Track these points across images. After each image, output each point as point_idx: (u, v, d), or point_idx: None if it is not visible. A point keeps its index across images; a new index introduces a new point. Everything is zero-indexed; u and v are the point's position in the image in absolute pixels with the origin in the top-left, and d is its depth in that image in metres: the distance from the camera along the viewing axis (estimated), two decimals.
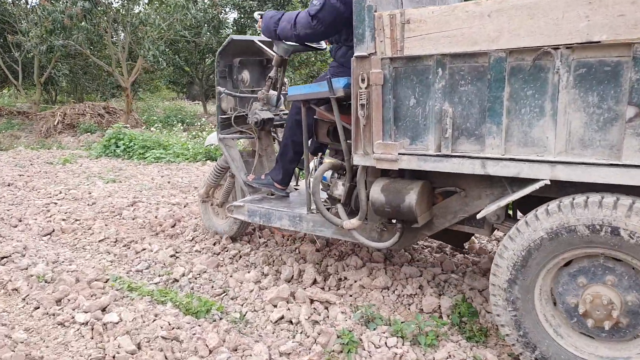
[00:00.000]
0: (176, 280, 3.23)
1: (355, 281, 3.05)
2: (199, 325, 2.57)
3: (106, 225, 4.32)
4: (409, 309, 2.76)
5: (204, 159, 7.39)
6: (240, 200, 3.29)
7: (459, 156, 2.09)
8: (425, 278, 2.97)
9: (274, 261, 3.45)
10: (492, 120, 1.99)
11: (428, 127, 2.14)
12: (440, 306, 2.70)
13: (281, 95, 3.26)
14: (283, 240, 3.77)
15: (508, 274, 2.02)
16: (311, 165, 2.89)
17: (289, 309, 2.72)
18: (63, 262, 3.49)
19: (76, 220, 4.48)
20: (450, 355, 2.23)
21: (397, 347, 2.31)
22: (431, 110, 2.08)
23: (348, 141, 2.50)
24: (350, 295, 2.95)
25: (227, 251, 3.66)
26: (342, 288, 3.04)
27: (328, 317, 2.65)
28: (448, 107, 2.03)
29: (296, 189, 3.52)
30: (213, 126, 11.29)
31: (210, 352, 2.34)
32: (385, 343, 2.34)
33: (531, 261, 1.97)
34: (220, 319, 2.69)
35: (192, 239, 3.94)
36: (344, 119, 2.52)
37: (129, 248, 3.80)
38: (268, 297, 2.80)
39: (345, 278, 3.13)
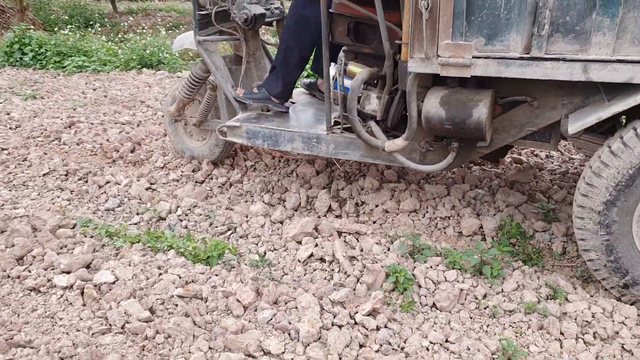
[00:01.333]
0: (162, 219, 2.71)
1: (377, 205, 2.71)
2: (216, 275, 2.14)
3: (45, 154, 3.56)
4: (445, 232, 2.49)
5: (139, 66, 6.40)
6: (235, 119, 2.72)
7: (553, 59, 1.69)
8: (455, 196, 2.69)
9: (273, 187, 3.00)
10: (604, 10, 1.59)
11: (513, 21, 1.70)
12: (481, 227, 2.45)
13: None
14: (275, 162, 3.29)
15: (606, 195, 1.75)
16: (331, 72, 2.35)
17: (317, 244, 2.34)
18: (3, 205, 2.80)
19: (2, 149, 3.65)
20: (519, 285, 2.01)
21: (458, 282, 2.04)
22: None
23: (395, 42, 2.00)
24: (374, 222, 2.62)
25: (212, 179, 3.13)
26: (362, 214, 2.70)
27: (362, 250, 2.31)
28: None
29: (292, 103, 2.97)
30: (138, 28, 9.89)
31: (246, 308, 1.93)
32: (445, 277, 2.06)
33: (638, 180, 1.69)
34: (239, 263, 2.26)
35: (164, 165, 3.34)
36: (389, 17, 1.99)
37: (86, 182, 3.14)
38: (290, 234, 2.39)
39: (364, 202, 2.77)
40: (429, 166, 2.19)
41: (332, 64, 2.39)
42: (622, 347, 1.73)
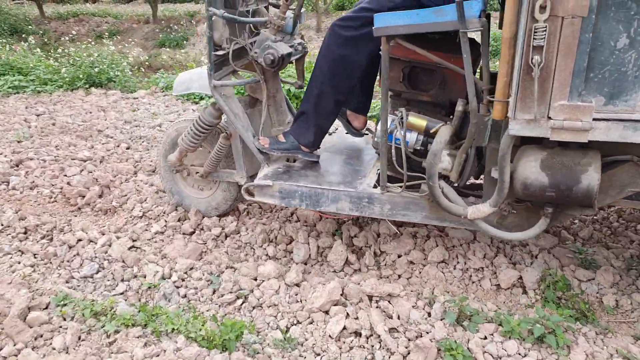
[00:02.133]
0: (153, 287, 2.31)
1: (400, 256, 2.45)
2: None
3: None
4: (481, 286, 2.27)
5: (86, 86, 5.79)
6: (263, 177, 2.36)
7: None
8: (484, 242, 2.48)
9: (275, 237, 2.66)
10: None
11: (616, 75, 1.47)
12: (520, 279, 2.25)
13: (298, 19, 2.28)
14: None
15: None
16: (390, 122, 2.03)
17: (348, 314, 2.05)
18: None
19: None
20: (588, 355, 1.81)
21: (521, 354, 1.82)
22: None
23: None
24: (400, 276, 2.36)
25: (203, 229, 2.75)
26: (384, 267, 2.43)
27: (400, 317, 2.04)
28: None
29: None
30: (70, 35, 9.08)
31: None
32: (506, 350, 1.83)
33: None
34: (261, 345, 1.92)
35: (143, 214, 2.91)
36: (456, 63, 1.73)
37: (52, 240, 2.67)
38: (316, 304, 2.07)
39: (384, 252, 2.51)
40: (516, 234, 1.93)
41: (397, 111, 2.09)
42: None
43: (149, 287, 2.30)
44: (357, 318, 2.01)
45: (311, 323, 2.05)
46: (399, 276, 2.36)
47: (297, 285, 2.27)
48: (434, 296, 2.13)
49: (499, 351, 1.83)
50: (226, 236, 2.71)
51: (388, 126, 2.00)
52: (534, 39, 1.44)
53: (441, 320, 2.01)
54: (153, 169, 3.51)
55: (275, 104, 2.57)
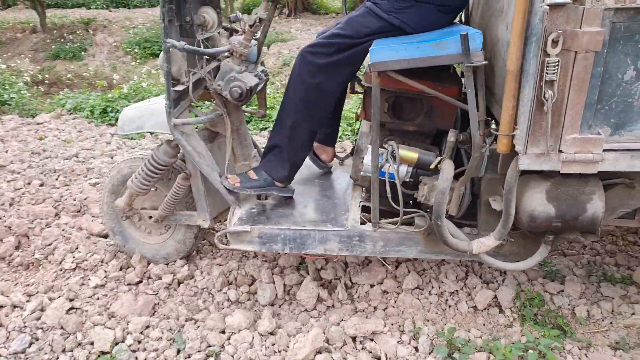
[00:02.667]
0: (104, 354, 2.00)
1: (372, 286, 2.36)
2: None
3: None
4: (457, 309, 2.24)
5: None
6: (237, 221, 2.12)
7: None
8: (454, 263, 2.45)
9: (235, 279, 2.45)
10: None
11: (623, 107, 1.49)
12: (496, 298, 2.25)
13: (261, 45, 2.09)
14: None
15: None
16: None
17: None
18: None
19: None
20: None
21: None
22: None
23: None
24: (375, 308, 2.26)
25: (152, 278, 2.46)
26: (358, 300, 2.32)
27: (387, 357, 1.94)
28: None
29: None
30: None
31: None
32: None
33: None
34: None
35: (76, 265, 2.55)
36: (444, 91, 1.64)
37: None
38: (300, 355, 1.90)
39: (355, 283, 2.39)
40: (518, 264, 1.91)
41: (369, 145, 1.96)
42: None
43: (99, 356, 1.99)
44: None
45: None
46: (375, 308, 2.26)
47: (272, 333, 2.08)
48: (417, 329, 2.06)
49: None
50: (179, 283, 2.44)
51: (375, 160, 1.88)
52: (546, 73, 1.40)
53: (430, 354, 1.94)
54: (78, 208, 3.11)
55: (239, 137, 2.35)
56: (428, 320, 2.15)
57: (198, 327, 2.13)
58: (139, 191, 2.33)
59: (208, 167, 2.15)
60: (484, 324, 2.15)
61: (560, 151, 1.52)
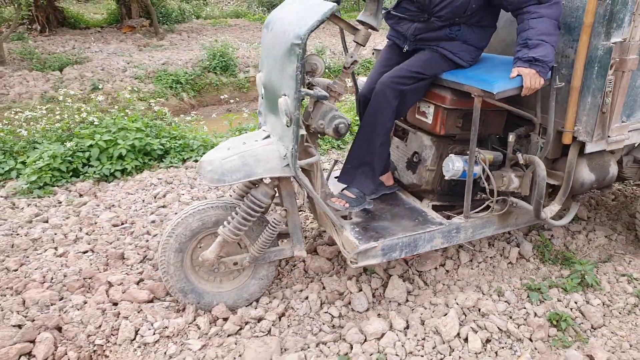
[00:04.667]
0: None
1: (436, 268, 2.85)
2: None
3: None
4: (500, 267, 2.92)
5: None
6: (360, 241, 2.32)
7: None
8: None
9: (327, 297, 2.64)
10: None
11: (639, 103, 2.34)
12: (520, 253, 3.00)
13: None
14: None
15: None
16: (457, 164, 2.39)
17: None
18: None
19: None
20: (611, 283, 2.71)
21: (584, 300, 2.58)
22: None
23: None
24: (448, 286, 2.78)
25: (251, 323, 2.46)
26: (432, 283, 2.79)
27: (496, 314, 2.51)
28: None
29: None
30: None
31: None
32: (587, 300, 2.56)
33: None
34: None
35: (159, 336, 2.35)
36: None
37: None
38: (453, 333, 2.31)
39: (421, 272, 2.85)
40: (563, 220, 2.66)
41: (453, 155, 2.40)
42: None
43: None
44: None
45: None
46: (448, 287, 2.77)
47: (407, 327, 2.41)
48: (498, 288, 2.66)
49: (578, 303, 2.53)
50: (280, 317, 2.51)
51: (462, 165, 2.39)
52: (606, 86, 2.14)
53: (518, 302, 2.57)
54: (82, 284, 2.71)
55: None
56: (488, 282, 2.78)
57: (341, 344, 2.31)
58: (233, 237, 2.33)
59: (319, 197, 2.32)
60: (522, 272, 2.88)
61: (608, 136, 2.32)
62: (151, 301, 2.61)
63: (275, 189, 2.39)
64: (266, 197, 2.33)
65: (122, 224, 3.39)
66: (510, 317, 2.46)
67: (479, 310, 2.49)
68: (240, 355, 2.25)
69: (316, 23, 1.96)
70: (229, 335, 2.40)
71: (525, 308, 2.51)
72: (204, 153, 4.53)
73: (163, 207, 3.64)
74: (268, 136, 2.37)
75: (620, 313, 2.52)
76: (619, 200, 3.60)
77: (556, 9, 2.10)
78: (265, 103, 2.46)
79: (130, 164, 4.20)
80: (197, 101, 9.75)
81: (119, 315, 2.48)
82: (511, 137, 2.43)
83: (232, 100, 8.93)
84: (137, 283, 2.72)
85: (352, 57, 2.26)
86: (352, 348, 2.28)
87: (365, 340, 2.33)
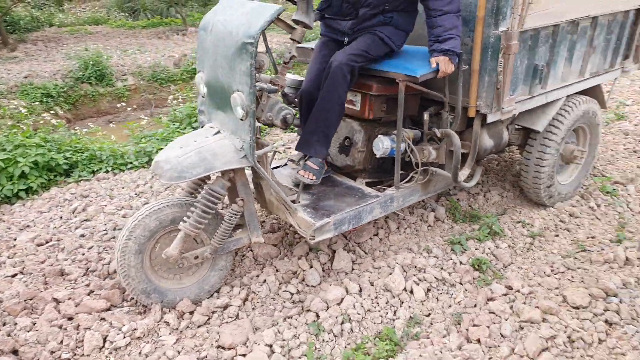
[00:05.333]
0: None
1: (371, 238, 3.19)
2: None
3: None
4: (422, 229, 3.36)
5: None
6: (315, 219, 2.56)
7: (536, 95, 3.02)
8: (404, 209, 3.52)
9: (282, 277, 2.84)
10: (558, 65, 3.05)
11: (522, 79, 2.88)
12: (436, 217, 3.47)
13: None
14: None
15: None
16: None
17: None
18: None
19: None
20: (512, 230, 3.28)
21: (495, 245, 3.11)
22: (529, 66, 2.82)
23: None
24: (383, 252, 3.14)
25: (219, 309, 2.58)
26: (371, 251, 3.12)
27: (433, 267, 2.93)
28: (543, 62, 2.85)
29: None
30: None
31: None
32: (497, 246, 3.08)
33: None
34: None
35: (130, 339, 2.37)
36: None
37: None
38: (401, 287, 2.66)
39: (359, 243, 3.17)
40: (471, 183, 3.10)
41: (381, 136, 2.71)
42: None
43: None
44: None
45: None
46: (384, 252, 3.13)
47: (361, 290, 2.71)
48: (426, 247, 3.08)
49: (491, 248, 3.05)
50: (244, 301, 2.66)
51: (390, 144, 2.75)
52: (499, 68, 2.64)
53: (447, 255, 3.02)
54: (24, 306, 2.58)
55: None
56: (416, 243, 3.20)
57: (306, 314, 2.54)
58: (195, 231, 2.44)
59: (277, 184, 2.52)
60: (440, 232, 3.35)
61: (502, 108, 2.84)
62: (109, 309, 2.59)
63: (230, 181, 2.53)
64: (223, 188, 2.47)
65: (47, 242, 3.22)
66: (442, 268, 2.89)
67: (415, 266, 2.88)
68: (217, 341, 2.37)
69: (265, 23, 2.15)
70: (199, 326, 2.50)
71: (452, 259, 2.96)
72: (114, 163, 4.39)
73: (87, 220, 3.51)
74: (218, 132, 2.49)
75: (521, 251, 3.09)
76: (502, 166, 4.29)
77: (456, 4, 2.53)
78: (210, 101, 2.58)
79: (35, 181, 3.94)
80: (73, 115, 9.11)
81: (79, 327, 2.44)
82: (426, 116, 2.85)
83: (123, 107, 8.50)
84: (88, 295, 2.67)
85: (290, 52, 2.48)
86: (318, 316, 2.52)
87: (328, 307, 2.58)
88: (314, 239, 2.56)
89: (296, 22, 2.40)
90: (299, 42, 2.48)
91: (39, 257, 3.00)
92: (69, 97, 9.10)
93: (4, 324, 2.47)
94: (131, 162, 4.42)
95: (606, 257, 2.92)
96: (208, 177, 2.67)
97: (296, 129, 3.22)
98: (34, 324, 2.46)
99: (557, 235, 3.26)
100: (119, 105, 9.25)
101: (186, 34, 14.14)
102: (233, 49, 2.24)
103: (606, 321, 2.46)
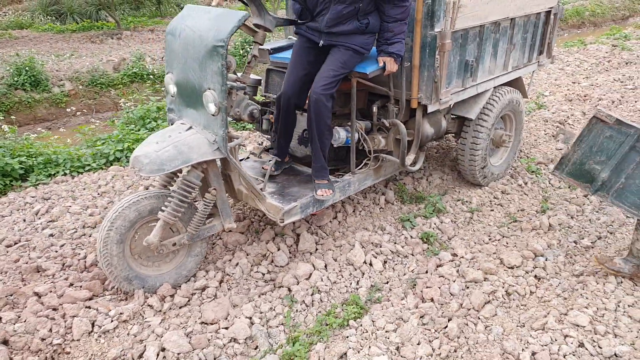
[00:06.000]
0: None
1: (331, 221, 3.51)
2: None
3: None
4: (375, 211, 3.71)
5: None
6: (282, 204, 2.86)
7: (468, 87, 3.42)
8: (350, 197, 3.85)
9: (254, 260, 3.09)
10: (485, 60, 3.47)
11: (455, 73, 3.27)
12: (386, 199, 3.84)
13: None
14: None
15: None
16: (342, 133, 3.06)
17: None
18: None
19: None
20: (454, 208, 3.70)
21: (439, 221, 3.51)
22: (461, 62, 3.23)
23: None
24: (342, 233, 3.46)
25: (197, 294, 2.80)
26: (332, 233, 3.43)
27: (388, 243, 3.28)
28: (473, 57, 3.27)
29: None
30: None
31: None
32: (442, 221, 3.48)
33: None
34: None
35: (118, 323, 2.54)
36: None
37: None
38: (360, 260, 2.99)
39: (320, 226, 3.47)
40: (417, 166, 3.45)
41: (337, 127, 3.02)
42: None
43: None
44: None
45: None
46: (342, 233, 3.45)
47: (326, 266, 3.01)
48: (381, 226, 3.44)
49: (437, 223, 3.44)
50: (220, 283, 2.89)
51: (345, 134, 3.08)
52: (436, 64, 3.03)
53: (398, 231, 3.39)
54: (5, 302, 2.68)
55: None
56: (371, 223, 3.55)
57: (279, 290, 2.81)
58: (172, 219, 2.65)
59: (248, 175, 2.77)
60: (391, 213, 3.72)
61: (440, 99, 3.23)
62: (91, 299, 2.74)
63: (203, 172, 2.75)
64: (197, 179, 2.68)
65: (16, 243, 3.29)
66: (395, 243, 3.25)
67: (372, 243, 3.22)
68: (200, 318, 2.59)
69: (234, 28, 2.40)
70: (181, 307, 2.70)
71: (403, 234, 3.33)
72: (71, 166, 4.44)
73: (52, 221, 3.58)
74: (190, 127, 2.71)
75: (463, 225, 3.52)
76: (440, 153, 4.74)
77: (407, 13, 2.85)
78: (180, 100, 2.78)
79: None
80: (8, 122, 8.78)
81: (66, 316, 2.58)
82: (375, 108, 3.19)
83: (61, 113, 8.28)
84: (69, 287, 2.80)
85: (252, 54, 2.74)
86: (290, 290, 2.80)
87: (298, 282, 2.86)
88: (283, 222, 2.83)
89: (257, 26, 2.66)
90: (261, 44, 2.74)
91: (11, 257, 3.07)
92: (1, 105, 8.78)
93: None
94: (89, 164, 4.48)
95: (533, 225, 3.40)
96: (180, 170, 2.87)
97: (264, 128, 3.47)
98: (19, 316, 2.57)
99: (492, 210, 3.72)
100: (56, 111, 9.03)
101: (121, 37, 13.87)
102: (204, 52, 2.47)
103: (535, 276, 2.90)
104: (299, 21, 2.89)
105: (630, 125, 2.69)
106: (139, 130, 4.98)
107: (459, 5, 2.98)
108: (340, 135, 3.09)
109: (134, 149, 4.66)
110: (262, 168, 3.17)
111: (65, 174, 4.37)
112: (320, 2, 2.81)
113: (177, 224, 2.79)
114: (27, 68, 9.28)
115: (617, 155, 2.74)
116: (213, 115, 2.53)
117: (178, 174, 2.93)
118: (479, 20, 3.26)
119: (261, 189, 2.96)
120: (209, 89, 2.50)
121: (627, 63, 8.39)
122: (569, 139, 4.90)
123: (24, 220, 3.63)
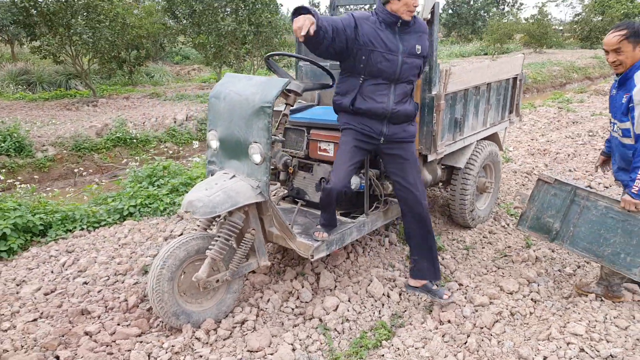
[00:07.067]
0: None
1: (344, 261, 3.88)
2: None
3: None
4: (384, 250, 4.11)
5: None
6: (311, 243, 3.17)
7: (458, 140, 3.99)
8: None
9: (282, 296, 3.39)
10: (470, 118, 4.05)
11: (447, 128, 3.83)
12: (390, 240, 4.26)
13: None
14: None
15: None
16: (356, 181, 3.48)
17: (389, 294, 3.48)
18: None
19: None
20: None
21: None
22: (451, 119, 3.80)
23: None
24: (356, 271, 3.84)
25: (237, 327, 3.07)
26: (347, 273, 3.79)
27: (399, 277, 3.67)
28: (460, 115, 3.85)
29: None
30: None
31: None
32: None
33: None
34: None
35: (170, 357, 2.78)
36: None
37: None
38: (379, 294, 3.35)
39: (335, 266, 3.83)
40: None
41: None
42: None
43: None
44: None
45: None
46: (357, 271, 3.83)
47: (350, 300, 3.35)
48: (391, 264, 3.83)
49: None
50: (257, 316, 3.17)
51: (359, 181, 3.54)
52: (433, 121, 3.59)
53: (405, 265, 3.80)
54: (59, 342, 2.86)
55: None
56: (380, 262, 3.94)
57: (311, 321, 3.12)
58: (219, 256, 2.97)
59: (283, 216, 3.15)
60: (396, 252, 4.13)
61: (437, 150, 3.77)
62: (140, 335, 2.96)
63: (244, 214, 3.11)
64: (240, 220, 3.04)
65: (52, 291, 3.47)
66: (406, 277, 3.64)
67: (386, 278, 3.61)
68: (246, 346, 2.86)
69: (278, 92, 2.88)
70: (225, 339, 2.96)
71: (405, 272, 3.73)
72: (88, 222, 4.67)
73: (81, 271, 3.79)
74: (234, 176, 3.09)
75: (461, 260, 3.96)
76: (429, 201, 5.26)
77: None
78: (222, 153, 3.18)
79: (15, 242, 4.12)
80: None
81: (121, 350, 2.79)
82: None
83: (43, 177, 8.40)
84: (117, 325, 3.01)
85: (283, 113, 3.21)
86: (321, 320, 3.12)
87: (328, 313, 3.19)
88: (313, 257, 3.20)
89: (289, 91, 3.15)
90: (292, 106, 3.22)
91: (53, 303, 3.26)
92: None
93: (46, 359, 2.74)
94: (104, 219, 4.71)
95: (523, 257, 3.89)
96: (219, 215, 3.21)
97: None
98: (76, 354, 2.76)
99: (483, 247, 4.20)
100: (37, 177, 9.14)
101: (97, 105, 14.20)
102: (250, 112, 2.91)
103: (532, 299, 3.34)
104: (328, 84, 3.44)
105: (567, 183, 3.33)
106: (147, 187, 5.27)
107: (449, 73, 3.59)
108: (356, 181, 3.54)
109: (146, 204, 4.96)
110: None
111: (82, 229, 4.58)
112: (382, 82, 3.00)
113: (219, 263, 3.10)
114: (12, 134, 9.44)
115: (563, 209, 3.32)
116: (257, 164, 2.94)
117: (217, 218, 3.27)
118: (464, 85, 3.89)
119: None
120: (255, 142, 2.92)
121: (573, 122, 9.43)
122: (525, 199, 5.54)
123: (52, 272, 3.81)
